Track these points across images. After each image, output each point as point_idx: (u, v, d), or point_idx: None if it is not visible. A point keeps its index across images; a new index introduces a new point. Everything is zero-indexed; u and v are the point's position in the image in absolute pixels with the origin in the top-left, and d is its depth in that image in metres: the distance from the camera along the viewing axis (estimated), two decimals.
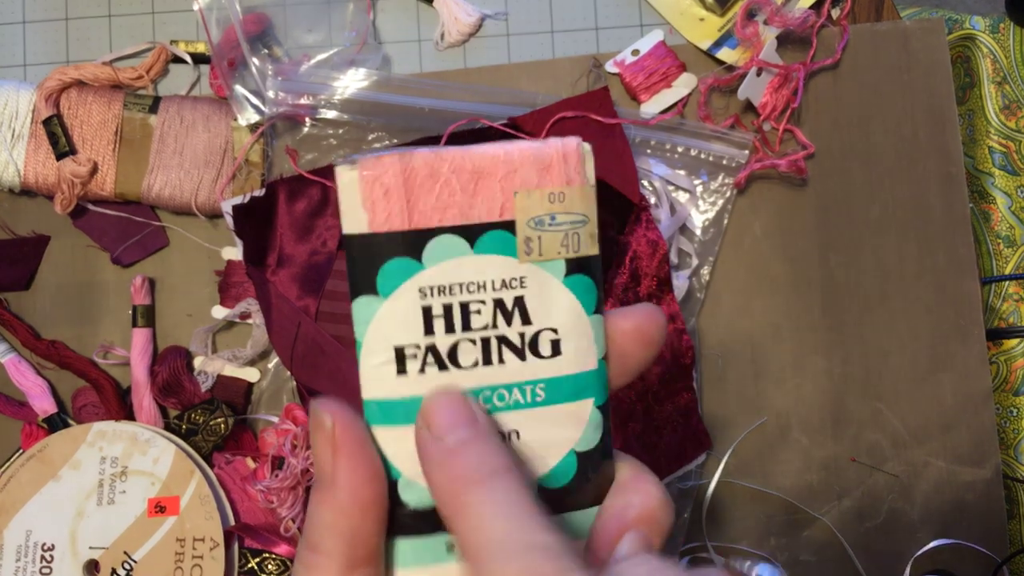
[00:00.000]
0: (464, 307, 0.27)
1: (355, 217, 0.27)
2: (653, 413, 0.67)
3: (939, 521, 0.68)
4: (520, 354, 0.28)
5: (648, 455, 0.66)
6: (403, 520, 0.27)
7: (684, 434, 0.67)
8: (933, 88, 0.71)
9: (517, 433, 0.28)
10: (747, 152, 0.69)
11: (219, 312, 0.69)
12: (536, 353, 0.28)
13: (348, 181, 0.27)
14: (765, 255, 0.70)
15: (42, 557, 0.64)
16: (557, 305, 0.28)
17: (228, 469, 0.67)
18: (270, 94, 0.68)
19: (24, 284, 0.71)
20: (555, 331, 0.28)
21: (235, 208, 0.67)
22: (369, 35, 0.72)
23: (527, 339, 0.28)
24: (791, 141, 0.70)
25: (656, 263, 0.66)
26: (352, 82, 0.68)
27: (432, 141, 0.68)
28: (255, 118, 0.68)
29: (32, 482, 0.65)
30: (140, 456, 0.65)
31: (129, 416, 0.68)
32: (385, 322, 0.27)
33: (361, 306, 0.27)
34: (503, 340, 0.28)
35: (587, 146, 0.29)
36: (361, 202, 0.27)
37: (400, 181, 0.26)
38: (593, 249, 0.29)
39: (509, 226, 0.28)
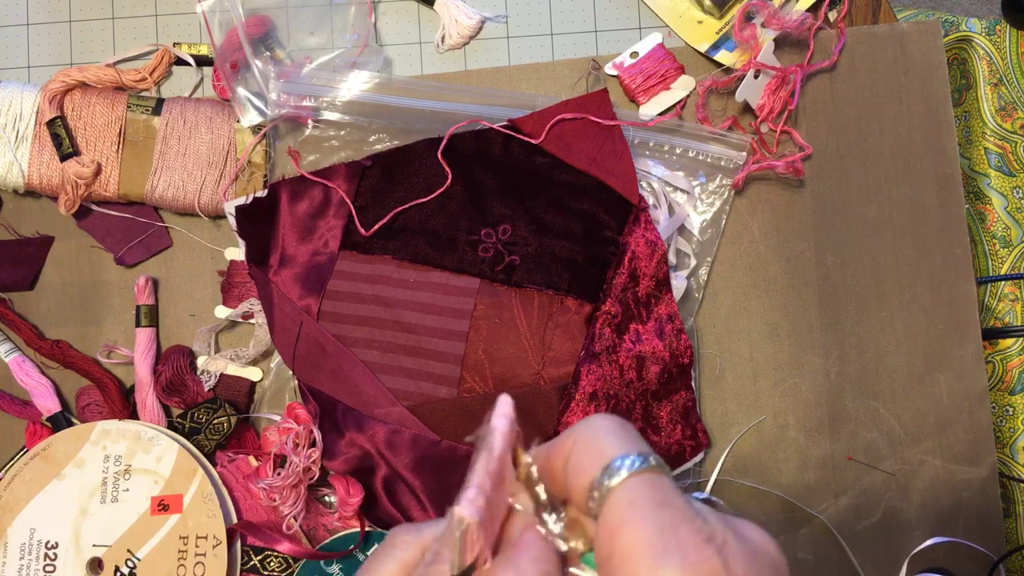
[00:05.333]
0: None
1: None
2: (652, 412, 0.67)
3: (936, 519, 0.69)
4: None
5: None
6: None
7: (683, 433, 0.68)
8: (929, 90, 0.71)
9: None
10: (745, 153, 0.69)
11: (222, 312, 0.69)
12: None
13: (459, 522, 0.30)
14: (763, 255, 0.71)
15: (46, 555, 0.64)
16: None
17: (231, 467, 0.67)
18: (272, 96, 0.68)
19: (28, 284, 0.71)
20: None
21: (238, 209, 0.68)
22: (371, 38, 0.72)
23: None
24: (788, 142, 0.71)
25: (655, 263, 0.67)
26: (354, 84, 0.69)
27: (433, 143, 0.68)
28: (257, 120, 0.69)
29: (36, 480, 0.65)
30: (143, 455, 0.65)
31: (132, 415, 0.69)
32: None
33: None
34: None
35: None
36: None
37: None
38: None
39: None
